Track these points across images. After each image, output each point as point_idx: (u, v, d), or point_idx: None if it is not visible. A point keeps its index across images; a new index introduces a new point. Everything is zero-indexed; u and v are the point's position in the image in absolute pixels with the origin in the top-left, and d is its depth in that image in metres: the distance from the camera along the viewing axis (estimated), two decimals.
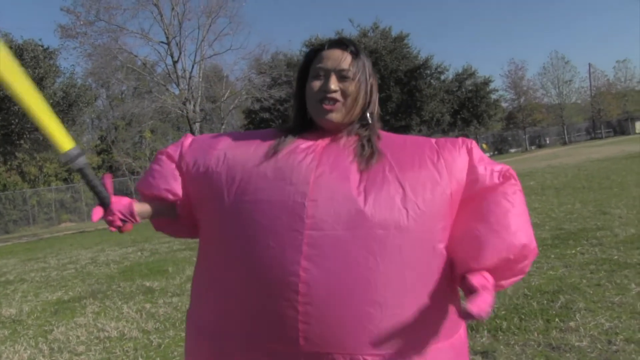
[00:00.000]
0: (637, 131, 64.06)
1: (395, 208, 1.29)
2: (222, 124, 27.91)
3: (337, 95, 1.44)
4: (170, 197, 1.55)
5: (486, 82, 39.56)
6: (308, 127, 1.51)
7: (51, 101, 20.55)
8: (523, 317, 4.00)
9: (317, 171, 1.35)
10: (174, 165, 1.56)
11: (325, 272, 1.23)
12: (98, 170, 40.73)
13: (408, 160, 1.39)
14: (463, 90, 38.52)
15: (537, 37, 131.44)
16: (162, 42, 24.79)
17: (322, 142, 1.45)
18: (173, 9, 24.31)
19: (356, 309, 1.24)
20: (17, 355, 4.76)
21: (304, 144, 1.44)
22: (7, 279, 9.68)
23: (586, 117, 65.00)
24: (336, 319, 1.24)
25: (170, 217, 1.62)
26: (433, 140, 1.51)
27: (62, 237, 20.45)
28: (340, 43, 1.50)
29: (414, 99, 33.13)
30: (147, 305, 6.02)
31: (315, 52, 1.52)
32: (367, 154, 1.39)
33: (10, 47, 20.36)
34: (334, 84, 1.43)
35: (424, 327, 1.30)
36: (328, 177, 1.33)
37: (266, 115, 33.29)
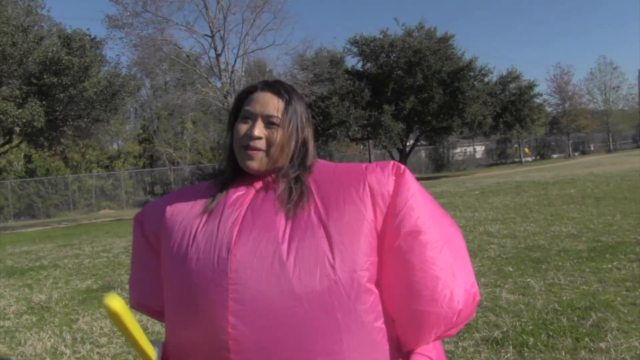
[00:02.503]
0: None
1: (320, 252, 1.22)
2: None
3: (260, 144, 1.37)
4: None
5: (530, 86, 38.78)
6: (241, 172, 1.45)
7: (95, 89, 20.91)
8: (551, 333, 3.87)
9: (241, 224, 1.30)
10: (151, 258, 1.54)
11: (252, 327, 1.19)
12: (139, 159, 41.34)
13: (333, 196, 1.32)
14: (507, 93, 37.81)
15: (584, 42, 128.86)
16: (207, 35, 25.01)
17: (251, 191, 1.40)
18: (218, 2, 24.50)
19: (289, 359, 1.19)
20: (40, 343, 4.84)
21: (234, 195, 1.39)
22: (41, 263, 9.88)
23: (633, 124, 63.43)
24: None
25: None
26: (363, 165, 1.40)
27: (100, 224, 20.83)
28: (273, 88, 1.43)
29: (457, 100, 32.62)
30: None
31: (246, 93, 1.46)
32: (295, 198, 1.32)
33: (59, 37, 20.95)
34: (258, 130, 1.37)
35: None
36: (251, 229, 1.28)
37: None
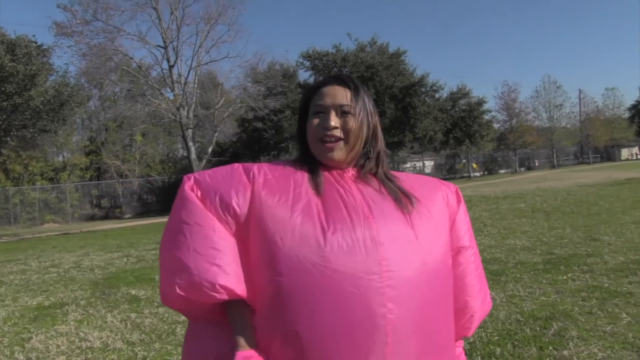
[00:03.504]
0: (622, 158, 64.75)
1: (438, 244, 1.40)
2: (215, 131, 27.80)
3: (337, 132, 1.43)
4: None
5: (480, 103, 39.78)
6: (313, 162, 1.49)
7: (42, 99, 20.36)
8: (516, 343, 3.94)
9: (373, 214, 1.35)
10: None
11: (408, 309, 1.26)
12: (86, 171, 40.38)
13: (430, 201, 1.47)
14: (457, 109, 38.70)
15: (531, 61, 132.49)
16: (159, 45, 24.77)
17: (349, 182, 1.44)
18: (172, 13, 24.34)
19: (437, 337, 1.34)
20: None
21: (336, 183, 1.42)
22: None
23: (575, 141, 65.62)
24: (422, 351, 1.29)
25: None
26: (437, 180, 1.61)
27: (45, 238, 20.22)
28: (340, 80, 1.50)
29: (408, 115, 33.16)
30: (132, 315, 5.89)
31: (314, 89, 1.51)
32: (400, 197, 1.42)
33: (2, 42, 20.29)
34: (333, 120, 1.43)
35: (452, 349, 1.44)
36: (384, 221, 1.34)
37: (259, 124, 33.22)
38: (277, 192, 1.36)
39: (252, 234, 1.32)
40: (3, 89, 19.12)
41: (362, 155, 1.49)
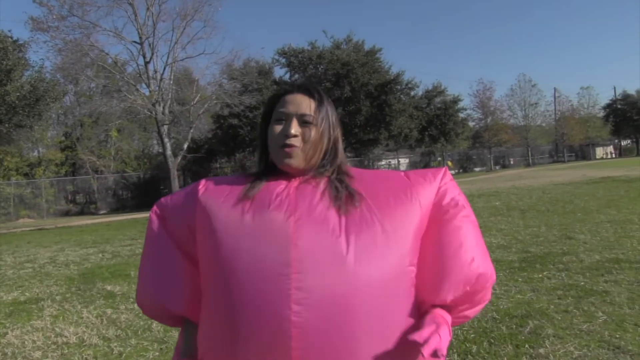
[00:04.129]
0: (597, 157, 65.66)
1: (378, 246, 1.30)
2: (191, 128, 27.65)
3: (297, 141, 1.44)
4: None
5: (455, 101, 40.07)
6: (273, 170, 1.51)
7: (18, 94, 20.09)
8: (493, 341, 4.01)
9: (295, 215, 1.33)
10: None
11: (316, 315, 1.23)
12: (61, 167, 39.89)
13: (383, 198, 1.40)
14: (432, 107, 38.96)
15: (505, 59, 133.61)
16: (135, 41, 24.56)
17: (293, 185, 1.44)
18: (148, 9, 24.13)
19: (351, 346, 1.24)
20: None
21: (275, 187, 1.43)
22: None
23: (550, 140, 66.27)
24: (331, 357, 1.24)
25: None
26: (402, 173, 1.54)
27: (20, 233, 19.96)
28: (305, 89, 1.51)
29: (384, 113, 33.28)
30: (108, 311, 5.88)
31: (278, 96, 1.53)
32: (343, 197, 1.39)
33: None
34: (294, 129, 1.43)
35: (403, 355, 1.31)
36: (307, 220, 1.32)
37: (235, 121, 33.07)
38: (213, 195, 1.46)
39: (199, 236, 1.45)
40: None
41: (320, 166, 1.48)
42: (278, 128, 1.45)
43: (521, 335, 4.09)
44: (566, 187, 19.33)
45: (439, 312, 1.37)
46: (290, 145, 1.42)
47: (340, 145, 1.54)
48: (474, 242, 1.42)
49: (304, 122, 1.44)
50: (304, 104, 1.46)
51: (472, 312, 1.46)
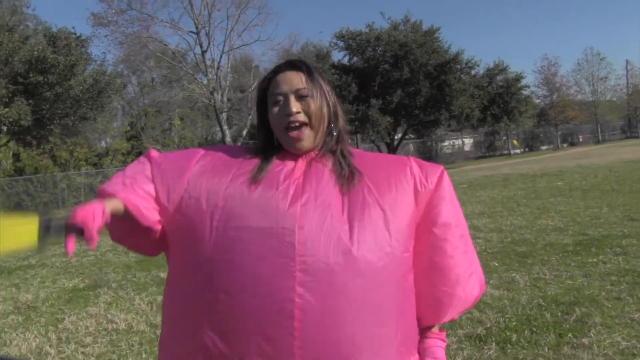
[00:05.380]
0: None
1: (379, 232, 1.32)
2: (250, 115, 27.94)
3: (301, 117, 1.42)
4: (147, 215, 1.41)
5: (518, 78, 38.90)
6: (277, 148, 1.49)
7: (81, 88, 20.77)
8: (535, 329, 3.88)
9: (302, 199, 1.34)
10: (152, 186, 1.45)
11: (319, 297, 1.24)
12: (127, 156, 41.08)
13: (384, 182, 1.42)
14: (494, 85, 37.89)
15: (571, 33, 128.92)
16: (192, 31, 24.96)
17: (300, 166, 1.43)
18: None
19: (350, 330, 1.26)
20: (26, 343, 4.81)
21: (283, 168, 1.42)
22: (29, 262, 9.82)
23: (621, 115, 63.60)
24: (332, 342, 1.25)
25: (133, 226, 1.46)
26: (405, 159, 1.52)
27: None
28: (292, 65, 1.50)
29: (444, 93, 32.64)
30: (159, 298, 6.01)
31: (268, 79, 1.51)
32: (346, 174, 1.41)
33: (45, 35, 20.77)
34: (294, 106, 1.42)
35: (403, 343, 1.36)
36: (314, 205, 1.33)
37: None
38: (213, 174, 1.42)
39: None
40: (46, 79, 19.64)
41: (327, 134, 1.49)
42: (277, 109, 1.44)
43: (566, 324, 3.94)
44: (636, 164, 18.43)
45: (439, 335, 1.47)
46: (296, 126, 1.42)
47: (340, 110, 1.55)
48: (470, 258, 1.47)
49: (300, 96, 1.43)
50: (296, 79, 1.45)
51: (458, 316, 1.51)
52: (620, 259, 5.71)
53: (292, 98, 1.42)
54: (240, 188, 1.36)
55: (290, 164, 1.43)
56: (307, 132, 1.43)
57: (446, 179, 1.49)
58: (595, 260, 5.77)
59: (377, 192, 1.38)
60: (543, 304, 4.45)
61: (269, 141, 1.51)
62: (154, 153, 1.54)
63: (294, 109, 1.41)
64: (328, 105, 1.48)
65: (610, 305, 4.26)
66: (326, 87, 1.50)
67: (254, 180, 1.37)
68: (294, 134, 1.42)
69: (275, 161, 1.44)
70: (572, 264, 5.71)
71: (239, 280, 1.26)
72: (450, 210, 1.45)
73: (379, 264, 1.30)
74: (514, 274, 5.48)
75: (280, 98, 1.44)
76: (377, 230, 1.32)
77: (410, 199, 1.41)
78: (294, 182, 1.37)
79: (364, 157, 1.52)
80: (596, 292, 4.62)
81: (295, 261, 1.25)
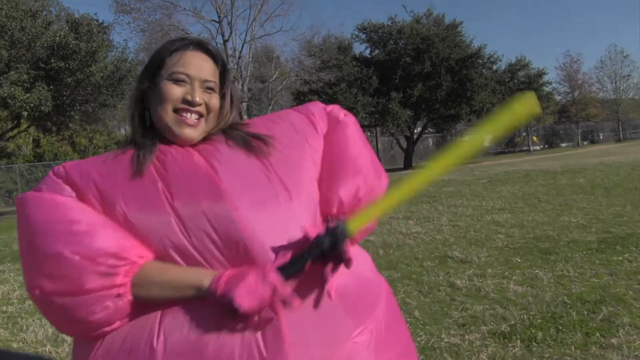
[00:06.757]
0: None
1: (305, 185, 1.30)
2: (270, 105, 27.97)
3: (202, 109, 1.30)
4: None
5: (539, 74, 38.65)
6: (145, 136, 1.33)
7: (102, 74, 20.84)
8: (561, 328, 3.79)
9: (229, 198, 1.19)
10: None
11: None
12: None
13: (286, 138, 1.37)
14: (515, 81, 37.64)
15: (594, 31, 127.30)
16: (214, 20, 24.98)
17: (193, 154, 1.28)
18: None
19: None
20: (42, 329, 4.80)
21: (178, 159, 1.26)
22: None
23: None
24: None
25: None
26: (294, 111, 1.50)
27: None
28: (206, 49, 1.35)
29: (465, 88, 32.44)
30: None
31: (172, 51, 1.33)
32: (251, 141, 1.32)
33: (67, 21, 20.87)
34: (199, 96, 1.29)
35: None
36: (246, 201, 1.21)
37: (314, 97, 33.16)
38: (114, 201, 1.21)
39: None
40: (67, 65, 19.72)
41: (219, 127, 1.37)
42: (176, 89, 1.28)
43: (593, 323, 3.84)
44: None
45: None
46: (196, 113, 1.29)
47: (236, 112, 1.42)
48: (359, 144, 1.47)
49: (206, 88, 1.31)
50: (207, 67, 1.32)
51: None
52: None
53: (197, 85, 1.29)
54: (150, 195, 1.20)
55: (179, 151, 1.28)
56: (201, 123, 1.31)
57: (333, 114, 1.54)
58: (620, 258, 5.64)
59: (281, 146, 1.33)
60: (568, 301, 4.35)
61: (142, 120, 1.35)
62: (63, 174, 1.27)
63: (199, 100, 1.28)
64: (231, 103, 1.38)
65: (638, 306, 4.13)
66: (232, 86, 1.40)
67: (137, 172, 1.22)
68: (184, 119, 1.28)
69: (168, 154, 1.28)
70: (597, 261, 5.59)
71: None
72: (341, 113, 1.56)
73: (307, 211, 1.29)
74: (537, 271, 5.37)
75: (184, 78, 1.29)
76: (304, 179, 1.31)
77: (307, 142, 1.40)
78: (204, 176, 1.22)
79: (254, 121, 1.44)
80: (623, 291, 4.51)
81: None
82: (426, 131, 40.34)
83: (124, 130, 44.16)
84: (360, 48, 36.90)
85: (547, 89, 40.52)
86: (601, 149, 36.80)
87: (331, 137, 1.42)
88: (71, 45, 19.43)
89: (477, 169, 24.71)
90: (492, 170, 23.22)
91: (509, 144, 51.84)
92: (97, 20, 22.32)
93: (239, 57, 24.94)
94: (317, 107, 1.52)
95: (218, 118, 1.35)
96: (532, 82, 37.65)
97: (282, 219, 1.20)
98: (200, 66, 1.30)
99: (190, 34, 25.27)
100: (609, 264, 5.47)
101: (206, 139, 1.33)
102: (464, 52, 33.46)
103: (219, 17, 24.69)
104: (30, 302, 5.86)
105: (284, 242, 1.17)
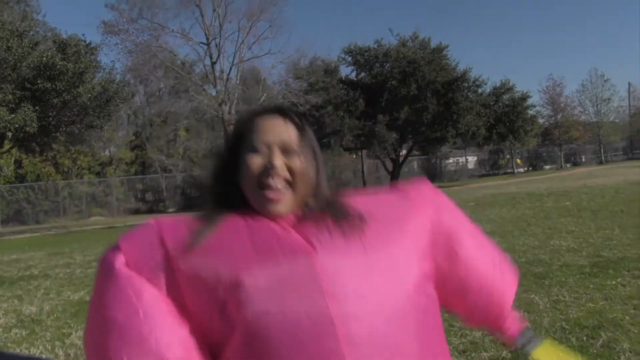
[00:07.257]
0: None
1: (406, 271, 1.19)
2: None
3: (284, 173, 1.19)
4: None
5: (524, 98, 39.08)
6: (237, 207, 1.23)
7: (89, 95, 20.78)
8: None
9: (314, 257, 1.11)
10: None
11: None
12: (131, 165, 41.09)
13: (384, 223, 1.23)
14: (500, 104, 38.06)
15: (576, 54, 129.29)
16: (202, 42, 25.05)
17: (286, 225, 1.19)
18: (215, 10, 24.58)
19: None
20: None
21: (272, 231, 1.16)
22: (32, 273, 9.72)
23: (624, 136, 63.75)
24: None
25: None
26: (396, 195, 1.35)
27: (91, 231, 20.63)
28: (282, 112, 1.26)
29: (451, 111, 32.74)
30: None
31: (247, 121, 1.26)
32: (352, 219, 1.20)
33: (55, 42, 20.86)
34: (278, 159, 1.19)
35: None
36: (330, 258, 1.12)
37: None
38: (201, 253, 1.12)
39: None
40: (54, 86, 19.66)
41: (311, 199, 1.25)
42: (255, 159, 1.19)
43: (593, 349, 3.85)
44: None
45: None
46: (275, 186, 1.17)
47: (324, 176, 1.31)
48: (491, 252, 1.42)
49: (286, 150, 1.21)
50: (285, 130, 1.22)
51: None
52: (639, 282, 5.61)
53: (276, 149, 1.20)
54: (239, 266, 1.09)
55: (271, 224, 1.18)
56: (287, 197, 1.19)
57: (434, 195, 1.41)
58: (613, 282, 5.67)
59: (382, 231, 1.22)
60: (566, 327, 4.36)
61: (235, 193, 1.24)
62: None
63: (277, 162, 1.18)
64: (316, 168, 1.26)
65: (636, 331, 4.15)
66: (317, 149, 1.29)
67: (251, 246, 1.12)
68: (269, 195, 1.18)
69: (262, 226, 1.17)
70: (591, 286, 5.61)
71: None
72: (461, 222, 1.41)
73: (415, 306, 1.17)
74: (532, 295, 5.38)
75: (262, 147, 1.20)
76: (403, 268, 1.20)
77: (417, 234, 1.27)
78: (294, 242, 1.13)
79: (359, 198, 1.30)
80: (619, 316, 4.52)
81: (338, 336, 1.06)
82: (412, 154, 40.56)
83: (108, 152, 43.92)
84: (346, 71, 37.24)
85: (531, 112, 40.96)
86: (584, 172, 37.14)
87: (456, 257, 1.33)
88: (58, 66, 19.38)
89: (463, 191, 24.84)
90: (478, 192, 23.35)
91: (493, 166, 52.22)
92: (85, 41, 22.30)
93: (227, 80, 24.99)
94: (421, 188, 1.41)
95: (307, 184, 1.24)
96: (517, 106, 38.07)
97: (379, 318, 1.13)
98: (278, 130, 1.22)
99: (178, 55, 25.35)
100: (603, 288, 5.50)
101: (303, 214, 1.23)
102: (449, 75, 33.83)
103: (207, 39, 24.78)
104: (17, 330, 5.76)
105: None
